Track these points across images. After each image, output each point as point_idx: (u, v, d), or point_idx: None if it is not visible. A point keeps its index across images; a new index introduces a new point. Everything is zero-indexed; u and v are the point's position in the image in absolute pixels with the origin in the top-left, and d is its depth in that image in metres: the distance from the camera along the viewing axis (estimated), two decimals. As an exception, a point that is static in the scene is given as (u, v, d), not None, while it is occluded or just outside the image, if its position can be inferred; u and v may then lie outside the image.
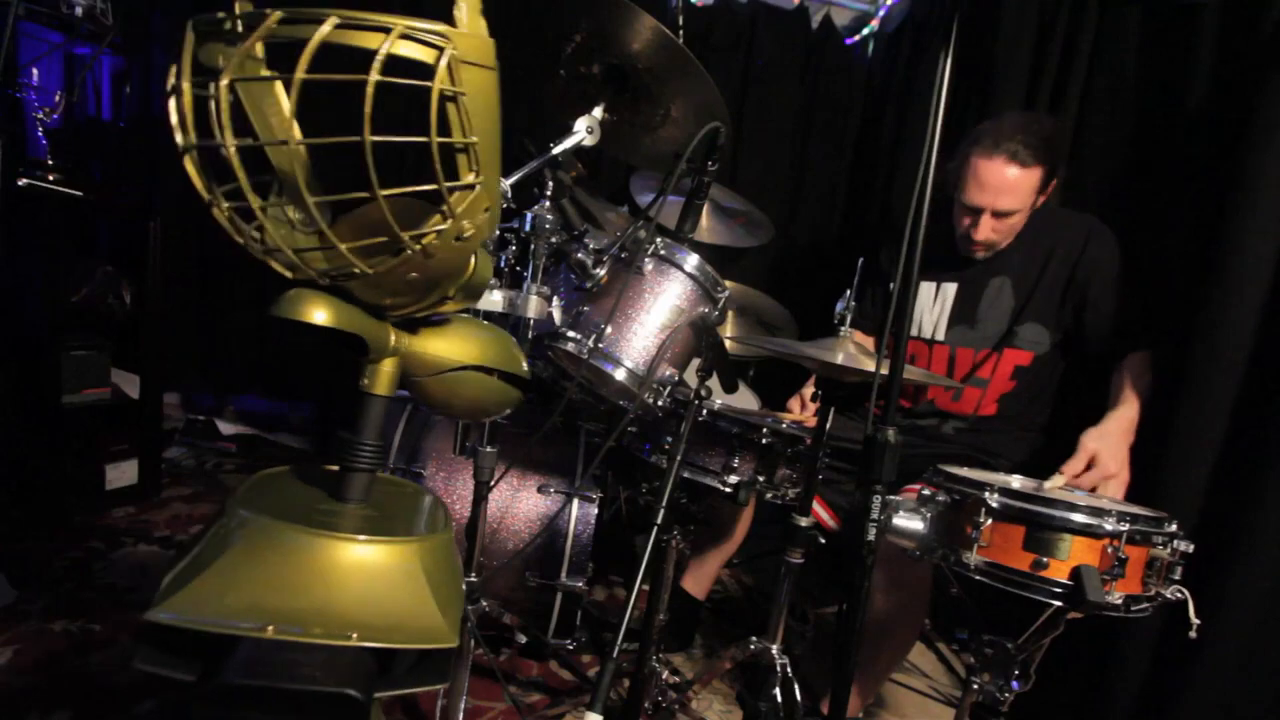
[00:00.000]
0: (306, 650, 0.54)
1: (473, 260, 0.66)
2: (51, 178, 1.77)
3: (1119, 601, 0.88)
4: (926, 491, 1.02)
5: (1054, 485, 1.06)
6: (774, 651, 1.20)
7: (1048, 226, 1.56)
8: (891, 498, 0.94)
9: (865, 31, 2.76)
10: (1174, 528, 0.92)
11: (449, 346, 0.73)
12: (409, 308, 0.66)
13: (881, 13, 2.72)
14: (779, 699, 1.18)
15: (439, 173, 0.54)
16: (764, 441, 1.28)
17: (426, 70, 0.50)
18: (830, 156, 2.79)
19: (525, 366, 0.82)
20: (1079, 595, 0.86)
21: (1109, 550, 0.88)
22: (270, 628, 0.53)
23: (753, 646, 1.22)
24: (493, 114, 0.55)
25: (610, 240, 1.18)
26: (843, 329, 1.16)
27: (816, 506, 1.42)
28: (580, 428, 1.68)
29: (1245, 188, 1.21)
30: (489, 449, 1.20)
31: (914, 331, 1.67)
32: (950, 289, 1.63)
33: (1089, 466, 1.22)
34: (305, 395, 2.78)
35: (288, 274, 0.60)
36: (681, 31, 2.50)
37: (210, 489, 2.25)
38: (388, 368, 0.68)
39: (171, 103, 0.53)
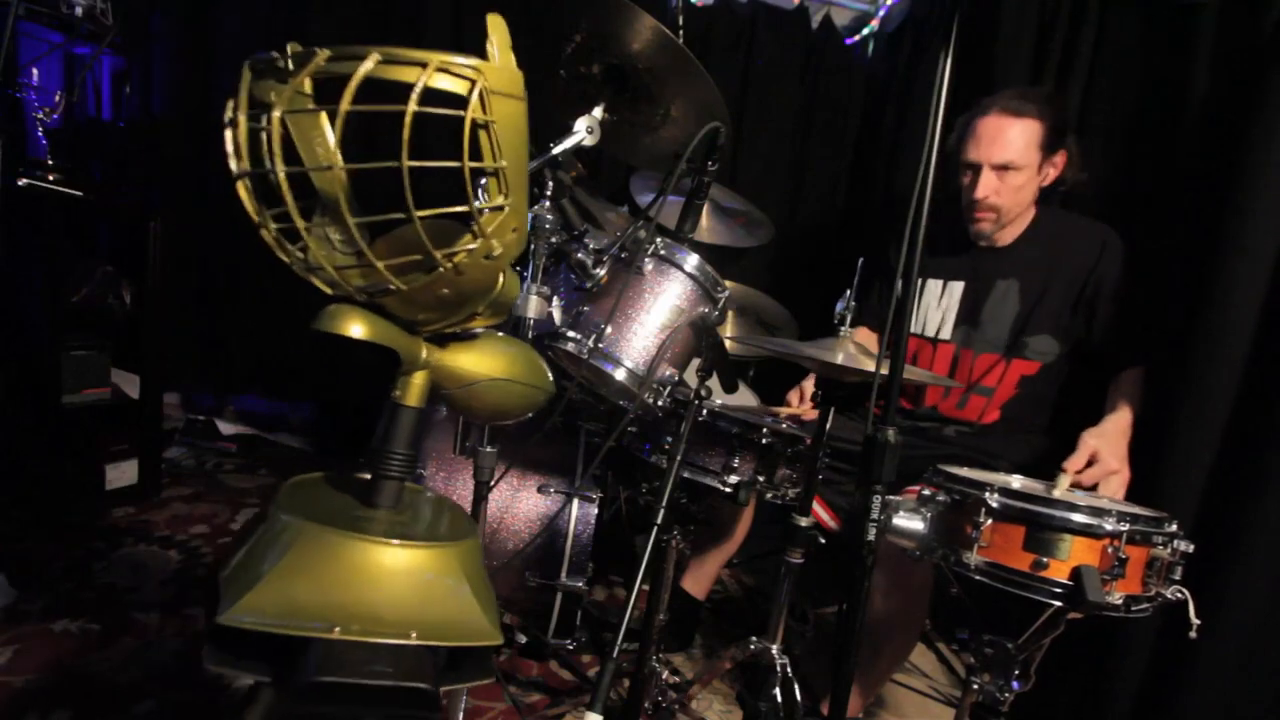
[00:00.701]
0: (372, 649, 0.59)
1: (501, 278, 0.69)
2: (51, 178, 1.77)
3: (1119, 601, 0.88)
4: (926, 491, 1.02)
5: (1063, 487, 1.05)
6: (774, 651, 1.20)
7: (1061, 232, 1.55)
8: (891, 498, 0.94)
9: (865, 31, 2.76)
10: (1174, 528, 0.92)
11: (477, 361, 0.77)
12: (440, 323, 0.71)
13: (881, 13, 2.72)
14: (779, 699, 1.18)
15: (470, 195, 0.58)
16: (764, 441, 1.28)
17: (460, 101, 0.55)
18: (830, 156, 2.79)
19: (550, 379, 0.85)
20: (1079, 595, 0.86)
21: (1109, 550, 0.88)
22: (337, 629, 0.58)
23: (753, 646, 1.22)
24: (521, 141, 0.59)
25: (610, 240, 1.18)
26: (843, 329, 1.16)
27: (816, 506, 1.42)
28: (580, 428, 1.68)
29: (1246, 188, 1.21)
30: (489, 449, 1.20)
31: (919, 329, 1.66)
32: (957, 288, 1.62)
33: (1090, 463, 1.23)
34: (305, 395, 2.77)
35: (328, 290, 0.65)
36: (681, 31, 2.50)
37: (210, 489, 2.25)
38: (418, 380, 0.72)
39: (228, 134, 0.58)
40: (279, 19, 2.49)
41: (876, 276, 1.79)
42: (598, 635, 1.70)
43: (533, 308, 1.15)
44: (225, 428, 2.71)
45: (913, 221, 0.87)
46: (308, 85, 0.57)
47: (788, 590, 1.20)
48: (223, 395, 2.76)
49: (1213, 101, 1.43)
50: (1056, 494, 1.04)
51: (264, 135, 0.57)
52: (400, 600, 0.62)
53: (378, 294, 0.64)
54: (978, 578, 0.93)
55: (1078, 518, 0.89)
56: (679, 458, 1.08)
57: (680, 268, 1.17)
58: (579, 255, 1.16)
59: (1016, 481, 1.09)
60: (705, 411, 1.28)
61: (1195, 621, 0.93)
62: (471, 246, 0.61)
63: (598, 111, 1.24)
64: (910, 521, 1.00)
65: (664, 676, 1.40)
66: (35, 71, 1.87)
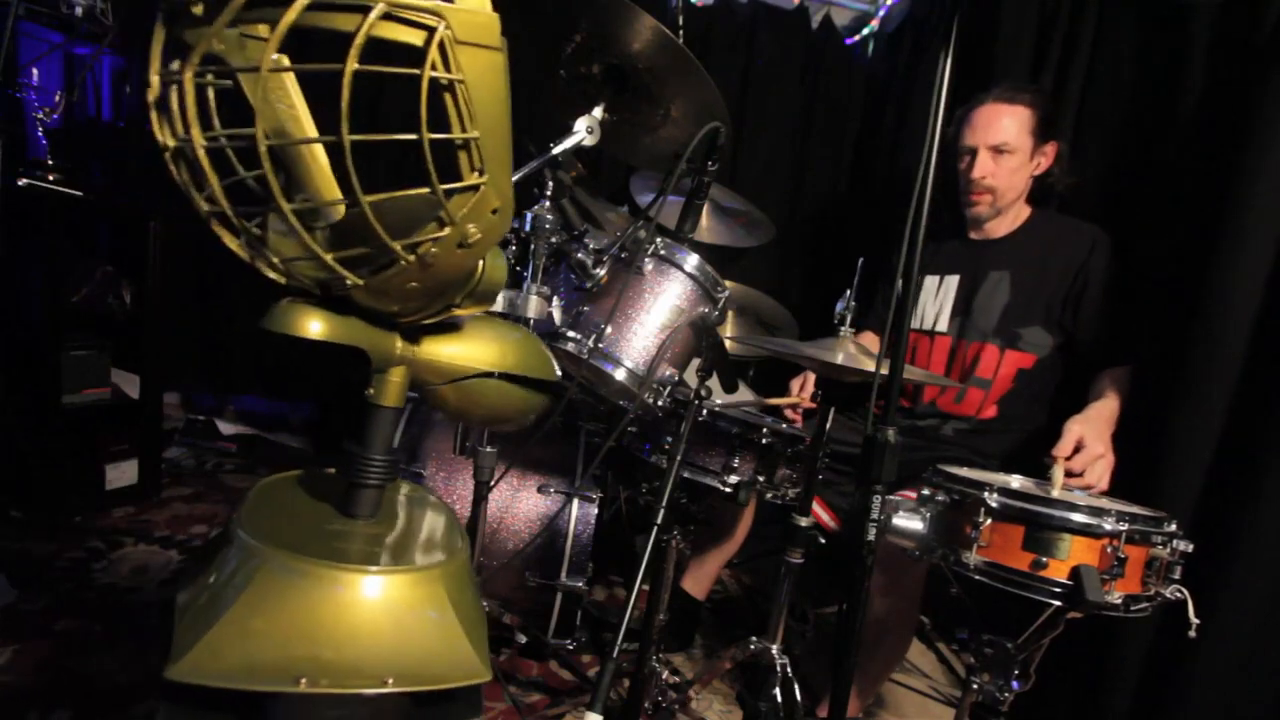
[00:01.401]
0: (343, 701, 0.52)
1: (480, 265, 0.61)
2: (51, 178, 1.77)
3: (1118, 601, 0.88)
4: (926, 491, 1.02)
5: (1058, 479, 1.06)
6: (774, 651, 1.20)
7: (1054, 230, 1.59)
8: (891, 498, 0.94)
9: (865, 31, 2.76)
10: (1173, 527, 0.92)
11: (465, 351, 0.67)
12: (414, 315, 0.61)
13: (881, 13, 2.72)
14: (779, 699, 1.18)
15: (432, 174, 0.47)
16: (764, 441, 1.28)
17: (419, 56, 0.44)
18: (830, 156, 2.79)
19: (556, 370, 0.75)
20: (1078, 595, 0.86)
21: (1108, 550, 0.88)
22: (303, 681, 0.50)
23: (753, 646, 1.22)
24: (499, 103, 0.48)
25: (610, 240, 1.18)
26: (843, 329, 1.16)
27: (816, 507, 1.42)
28: (580, 428, 1.68)
29: (1245, 187, 1.21)
30: (489, 449, 1.20)
31: (916, 323, 1.69)
32: (953, 281, 1.66)
33: (1077, 449, 1.24)
34: (305, 395, 2.78)
35: (282, 280, 0.56)
36: (681, 31, 2.50)
37: (210, 489, 2.25)
38: (395, 377, 0.63)
39: (150, 98, 0.48)
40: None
41: (880, 280, 1.82)
42: (598, 635, 1.70)
43: (533, 308, 1.15)
44: (225, 428, 2.71)
45: (913, 221, 0.87)
46: (266, 30, 0.45)
47: (788, 590, 1.20)
48: (223, 395, 2.76)
49: (1212, 100, 1.43)
50: (1055, 490, 1.04)
51: (181, 97, 0.47)
52: (376, 640, 0.54)
53: (336, 289, 0.55)
54: (977, 578, 0.93)
55: (1077, 517, 0.89)
56: (679, 458, 1.07)
57: (680, 268, 1.18)
58: (579, 255, 1.16)
59: (1016, 481, 1.09)
60: (705, 411, 1.28)
61: (1195, 621, 0.93)
62: (439, 235, 0.51)
63: (598, 111, 1.24)
64: (910, 521, 1.00)
65: (664, 676, 1.40)
66: (35, 71, 1.87)
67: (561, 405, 1.19)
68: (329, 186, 0.55)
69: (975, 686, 1.01)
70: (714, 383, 1.17)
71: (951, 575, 0.98)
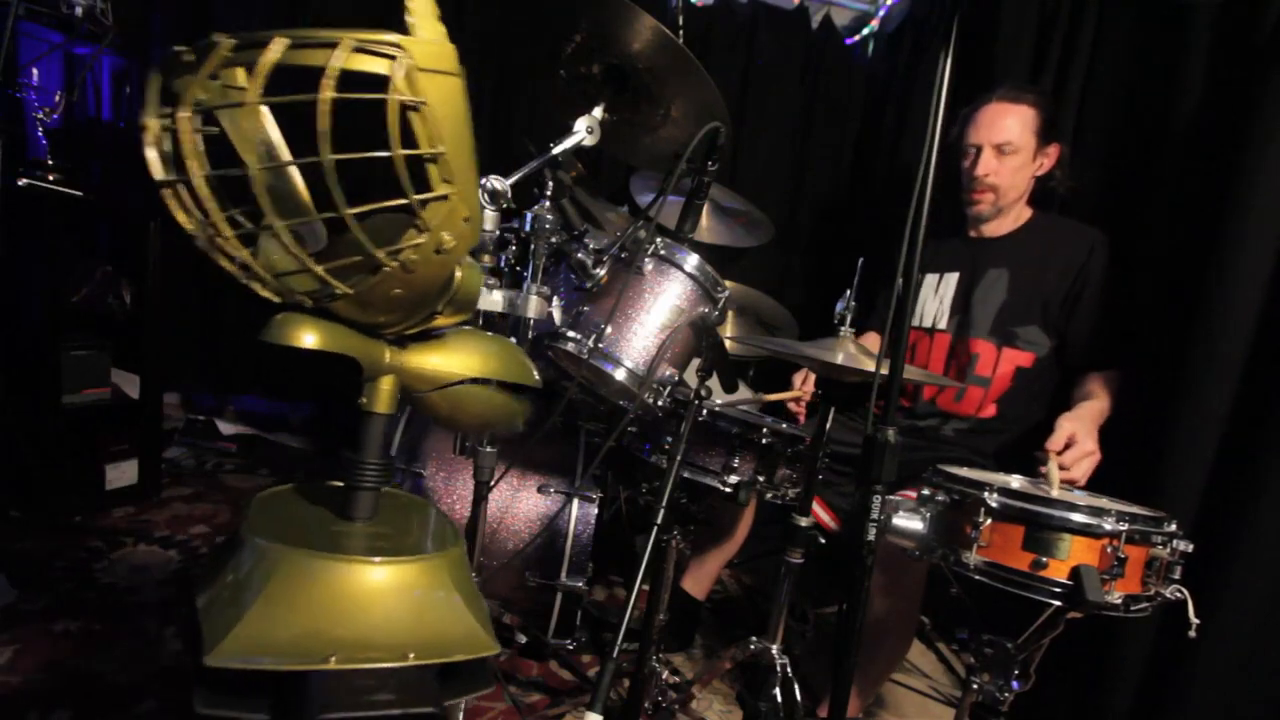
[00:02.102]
0: (372, 675, 0.57)
1: (457, 273, 0.66)
2: (51, 178, 1.77)
3: (1118, 601, 0.88)
4: (926, 491, 1.02)
5: (1054, 474, 1.06)
6: (774, 651, 1.20)
7: (1053, 231, 1.60)
8: (891, 498, 0.94)
9: (865, 31, 2.76)
10: (1173, 527, 0.92)
11: (448, 359, 0.72)
12: (400, 325, 0.66)
13: (881, 13, 2.72)
14: (779, 699, 1.18)
15: (407, 186, 0.53)
16: (764, 441, 1.28)
17: (387, 83, 0.50)
18: (830, 157, 2.79)
19: (535, 376, 0.80)
20: (1078, 595, 0.86)
21: (1108, 550, 0.88)
22: (333, 658, 0.55)
23: (753, 646, 1.22)
24: (460, 121, 0.54)
25: (610, 240, 1.18)
26: (843, 329, 1.16)
27: (816, 507, 1.42)
28: (580, 428, 1.68)
29: (1245, 187, 1.21)
30: (489, 449, 1.20)
31: (916, 322, 1.70)
32: (952, 278, 1.67)
33: (1068, 445, 1.25)
34: (305, 395, 2.78)
35: (276, 299, 0.61)
36: (681, 31, 2.50)
37: (210, 489, 2.25)
38: (386, 385, 0.69)
39: (145, 139, 0.54)
40: (279, 18, 2.49)
41: (881, 281, 1.81)
42: (598, 635, 1.70)
43: (533, 308, 1.15)
44: (225, 428, 2.71)
45: (913, 221, 0.87)
46: (243, 78, 0.52)
47: (788, 590, 1.20)
48: (223, 395, 2.76)
49: (1212, 101, 1.43)
50: (1053, 485, 1.04)
51: (181, 135, 0.53)
52: (392, 621, 0.59)
53: (326, 299, 0.60)
54: (977, 577, 0.93)
55: (1077, 517, 0.89)
56: (679, 458, 1.08)
57: (680, 268, 1.17)
58: (579, 255, 1.16)
59: (1016, 481, 1.09)
60: (705, 411, 1.28)
61: (1195, 621, 0.93)
62: (418, 241, 0.57)
63: (598, 111, 1.24)
64: (910, 521, 1.00)
65: (664, 676, 1.40)
66: (35, 71, 1.87)
67: (562, 405, 1.20)
68: (309, 209, 0.60)
69: (975, 686, 1.01)
70: (714, 383, 1.17)
71: (951, 575, 0.98)
